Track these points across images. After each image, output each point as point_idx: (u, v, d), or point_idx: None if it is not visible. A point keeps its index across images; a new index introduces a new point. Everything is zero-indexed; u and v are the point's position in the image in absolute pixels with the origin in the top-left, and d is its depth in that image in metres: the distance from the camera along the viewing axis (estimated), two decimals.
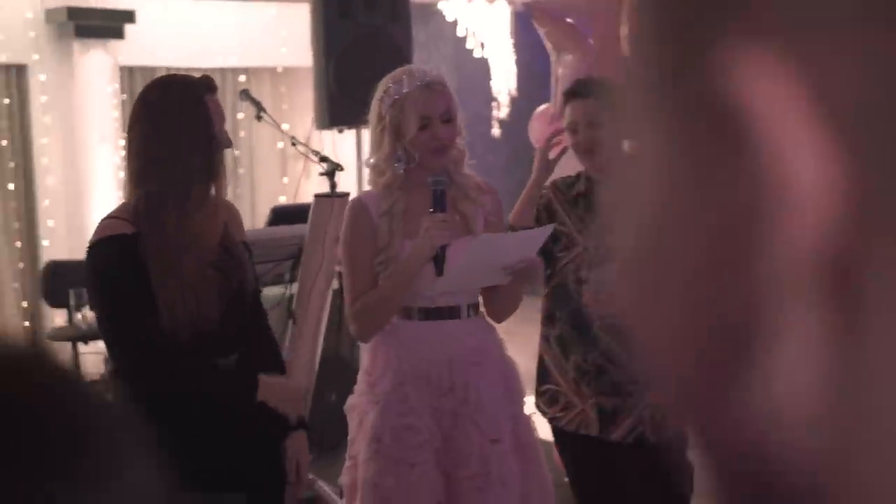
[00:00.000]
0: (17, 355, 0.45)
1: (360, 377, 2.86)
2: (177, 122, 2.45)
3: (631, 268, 0.33)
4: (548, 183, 3.22)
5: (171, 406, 2.40)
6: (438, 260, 2.67)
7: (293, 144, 3.69)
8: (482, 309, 2.94)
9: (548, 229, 2.88)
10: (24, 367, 0.45)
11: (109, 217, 2.52)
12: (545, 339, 3.10)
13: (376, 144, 2.81)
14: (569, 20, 3.99)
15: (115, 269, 2.44)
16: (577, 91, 3.07)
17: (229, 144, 2.56)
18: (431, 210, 2.69)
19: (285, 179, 8.98)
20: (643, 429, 3.00)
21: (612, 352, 2.98)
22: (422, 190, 2.74)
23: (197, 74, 2.64)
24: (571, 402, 3.04)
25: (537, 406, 3.15)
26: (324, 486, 4.33)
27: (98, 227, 2.51)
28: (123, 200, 7.33)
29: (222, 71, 8.58)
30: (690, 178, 0.30)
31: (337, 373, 4.43)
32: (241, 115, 8.33)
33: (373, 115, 2.80)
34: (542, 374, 3.13)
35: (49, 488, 0.40)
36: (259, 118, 3.76)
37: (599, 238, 2.99)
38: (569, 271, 3.01)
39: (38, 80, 7.81)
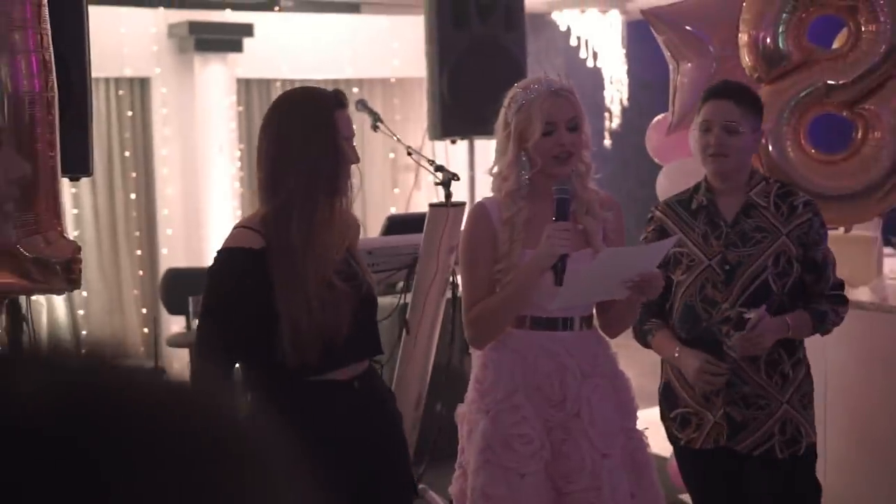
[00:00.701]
0: (167, 390, 0.45)
1: (471, 385, 2.83)
2: (305, 135, 2.45)
3: None
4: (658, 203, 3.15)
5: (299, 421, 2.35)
6: (558, 269, 2.61)
7: (408, 154, 3.71)
8: (595, 323, 2.89)
9: (672, 241, 2.82)
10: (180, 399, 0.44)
11: (243, 226, 2.53)
12: (668, 362, 3.04)
13: (501, 151, 2.79)
14: (688, 27, 3.91)
15: (238, 281, 2.45)
16: (718, 91, 2.99)
17: (357, 160, 2.56)
18: (554, 218, 2.65)
19: (396, 190, 9.05)
20: (773, 444, 2.92)
21: (740, 370, 2.91)
22: (545, 199, 2.70)
23: (326, 87, 2.66)
24: (704, 419, 2.98)
25: (668, 433, 3.09)
26: (434, 497, 4.32)
27: (231, 235, 2.52)
28: (239, 209, 7.50)
29: (336, 82, 8.70)
30: None
31: (447, 383, 4.42)
32: (353, 127, 8.43)
33: (499, 122, 2.79)
34: (670, 399, 3.06)
35: None
36: (375, 128, 3.78)
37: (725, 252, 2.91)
38: (693, 291, 2.94)
39: (159, 92, 8.04)
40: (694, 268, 2.94)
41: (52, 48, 2.89)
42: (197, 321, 2.57)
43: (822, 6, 3.80)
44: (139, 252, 8.11)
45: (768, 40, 3.71)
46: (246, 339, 2.42)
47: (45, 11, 2.86)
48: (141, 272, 8.07)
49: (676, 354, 2.94)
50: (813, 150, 3.92)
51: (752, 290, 2.88)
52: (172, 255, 8.02)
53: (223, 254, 2.49)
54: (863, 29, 3.73)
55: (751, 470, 2.97)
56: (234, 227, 2.55)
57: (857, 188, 3.83)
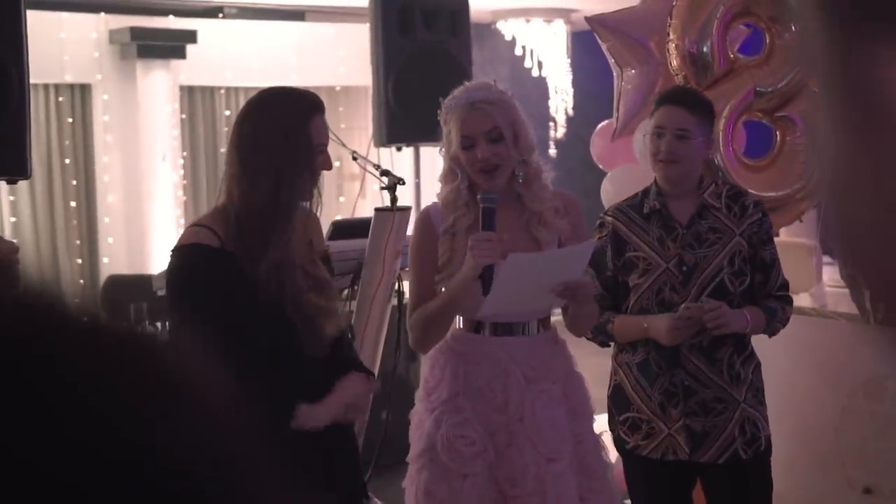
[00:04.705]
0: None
1: (421, 384, 2.85)
2: (277, 140, 2.42)
3: (834, 203, 0.44)
4: (607, 208, 3.13)
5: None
6: (485, 279, 2.59)
7: (354, 158, 3.69)
8: (553, 324, 2.88)
9: (589, 245, 2.74)
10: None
11: (199, 225, 2.48)
12: (625, 365, 3.01)
13: (444, 159, 2.79)
14: (631, 34, 3.95)
15: (206, 275, 2.40)
16: (671, 97, 3.01)
17: (329, 167, 2.54)
18: (482, 229, 2.62)
19: (342, 199, 9.02)
20: (735, 447, 2.93)
21: (700, 372, 2.91)
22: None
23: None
24: (656, 429, 2.96)
25: (615, 436, 3.07)
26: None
27: (188, 232, 2.48)
28: (182, 218, 7.37)
29: None
30: (859, 153, 0.40)
31: (393, 391, 4.40)
32: None
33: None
34: (622, 403, 3.03)
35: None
36: None
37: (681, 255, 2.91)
38: (651, 294, 2.93)
39: (101, 99, 7.94)
40: (651, 271, 2.93)
41: None
42: (174, 320, 2.50)
43: (744, 15, 3.88)
44: (80, 261, 7.98)
45: (694, 47, 3.76)
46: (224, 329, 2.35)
47: None
48: (81, 281, 7.94)
49: (646, 325, 2.91)
50: (745, 159, 4.01)
51: (710, 291, 2.89)
52: (114, 264, 7.90)
53: (186, 249, 2.44)
54: (776, 40, 3.83)
55: (713, 477, 2.97)
56: (190, 226, 2.53)
57: (780, 192, 3.92)
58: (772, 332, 3.02)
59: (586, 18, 4.09)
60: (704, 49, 3.75)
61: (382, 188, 3.64)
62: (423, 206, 3.75)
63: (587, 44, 9.30)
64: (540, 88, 9.12)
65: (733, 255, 2.92)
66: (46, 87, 7.72)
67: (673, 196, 2.96)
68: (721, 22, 3.76)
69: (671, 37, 3.78)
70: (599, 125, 4.29)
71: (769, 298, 2.97)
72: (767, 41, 3.85)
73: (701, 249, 2.92)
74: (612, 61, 4.01)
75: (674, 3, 3.74)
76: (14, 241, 7.35)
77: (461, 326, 2.81)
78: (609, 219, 3.03)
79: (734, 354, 2.93)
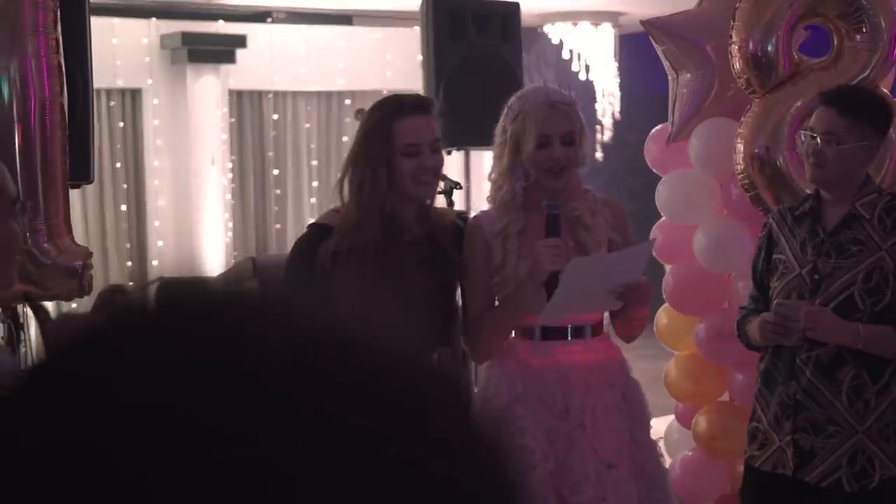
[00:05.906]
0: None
1: (476, 394, 2.84)
2: (363, 146, 2.66)
3: None
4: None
5: None
6: (551, 286, 2.58)
7: None
8: (608, 329, 2.88)
9: (648, 245, 2.71)
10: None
11: (333, 209, 2.76)
12: (757, 374, 2.89)
13: (497, 159, 2.78)
14: (688, 38, 3.93)
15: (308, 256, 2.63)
16: (825, 97, 2.80)
17: (433, 163, 2.66)
18: (546, 235, 2.62)
19: None
20: (840, 475, 2.72)
21: (815, 390, 2.72)
22: (539, 211, 2.69)
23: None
24: (770, 440, 2.81)
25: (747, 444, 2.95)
26: None
27: (322, 215, 2.85)
28: (231, 221, 7.57)
29: (328, 94, 8.71)
30: None
31: None
32: (345, 139, 8.44)
33: (498, 128, 2.77)
34: (752, 410, 2.91)
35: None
36: None
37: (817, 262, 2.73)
38: (781, 300, 2.76)
39: (151, 103, 8.03)
40: (786, 275, 2.79)
41: (62, 54, 2.91)
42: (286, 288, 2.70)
43: (810, 16, 3.83)
44: (129, 263, 8.08)
45: (758, 48, 3.73)
46: None
47: (58, 17, 2.87)
48: (131, 284, 8.05)
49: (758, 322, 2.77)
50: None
51: (836, 305, 2.69)
52: (163, 267, 8.00)
53: (311, 227, 2.78)
54: (845, 41, 3.77)
55: (815, 501, 2.79)
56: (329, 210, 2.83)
57: None
58: None
59: (642, 22, 4.07)
60: (769, 49, 3.71)
61: (438, 192, 3.64)
62: (473, 210, 3.75)
63: (634, 47, 9.28)
64: (587, 92, 9.09)
65: (872, 270, 2.68)
66: (98, 91, 7.82)
67: (829, 201, 2.78)
68: (787, 23, 3.72)
69: (734, 39, 3.73)
70: (654, 129, 4.27)
71: None
72: (836, 42, 3.79)
73: (837, 259, 2.71)
74: (667, 65, 3.99)
75: (737, 6, 3.70)
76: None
77: (514, 333, 2.81)
78: (770, 220, 2.92)
79: (865, 379, 2.70)
